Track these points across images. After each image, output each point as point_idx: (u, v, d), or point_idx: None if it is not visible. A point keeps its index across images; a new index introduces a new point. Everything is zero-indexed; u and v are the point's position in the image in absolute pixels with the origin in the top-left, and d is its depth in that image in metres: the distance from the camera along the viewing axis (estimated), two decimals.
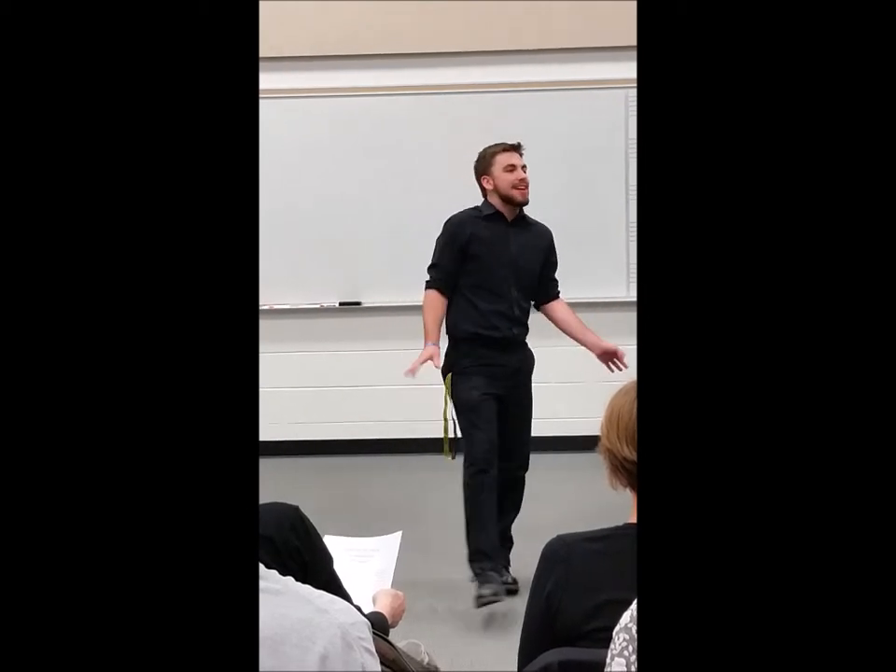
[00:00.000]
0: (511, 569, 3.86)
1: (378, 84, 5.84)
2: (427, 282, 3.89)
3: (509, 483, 3.91)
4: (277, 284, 5.57)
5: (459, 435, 3.85)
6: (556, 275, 4.05)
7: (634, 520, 1.75)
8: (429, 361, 3.78)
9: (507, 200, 3.83)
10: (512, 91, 5.82)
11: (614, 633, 1.42)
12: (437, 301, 3.85)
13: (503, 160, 3.84)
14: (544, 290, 3.99)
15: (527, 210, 3.96)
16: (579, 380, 5.77)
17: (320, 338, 6.01)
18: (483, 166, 3.90)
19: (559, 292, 4.06)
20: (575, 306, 4.02)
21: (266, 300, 5.65)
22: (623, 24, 5.04)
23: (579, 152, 5.79)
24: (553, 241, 3.98)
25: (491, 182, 3.86)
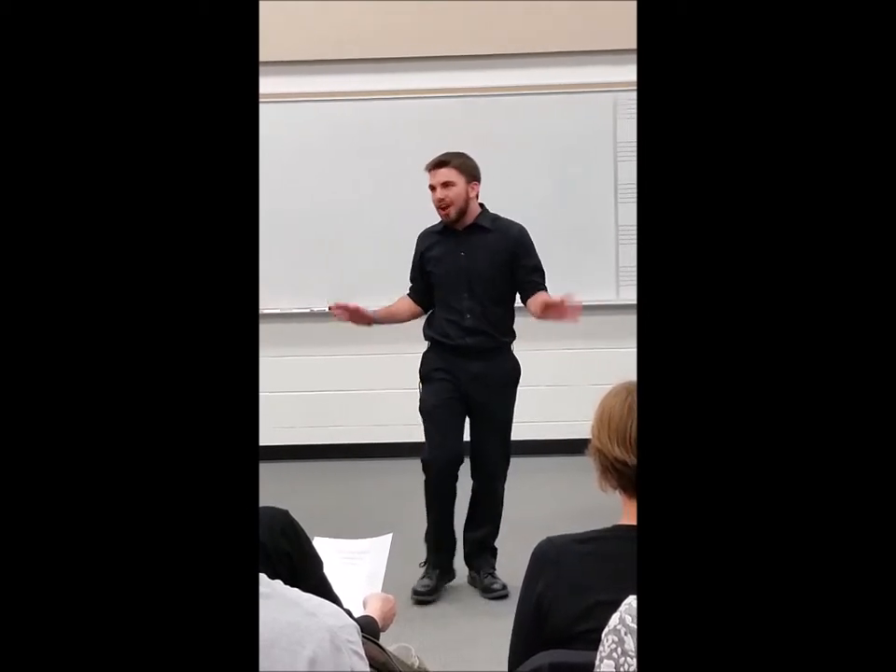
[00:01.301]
0: (499, 574, 3.86)
1: (367, 88, 5.84)
2: None
3: (479, 493, 3.92)
4: (267, 288, 5.53)
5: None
6: (539, 277, 3.87)
7: (623, 521, 1.76)
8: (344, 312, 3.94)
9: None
10: (503, 94, 5.82)
11: (603, 635, 1.42)
12: (403, 301, 4.07)
13: (429, 179, 3.82)
14: (524, 293, 3.86)
15: (513, 211, 3.94)
16: (566, 383, 5.78)
17: (310, 342, 6.00)
18: None
19: (544, 289, 3.86)
20: None
21: None
22: (617, 28, 5.05)
23: (567, 156, 5.79)
24: (521, 240, 3.81)
25: None
